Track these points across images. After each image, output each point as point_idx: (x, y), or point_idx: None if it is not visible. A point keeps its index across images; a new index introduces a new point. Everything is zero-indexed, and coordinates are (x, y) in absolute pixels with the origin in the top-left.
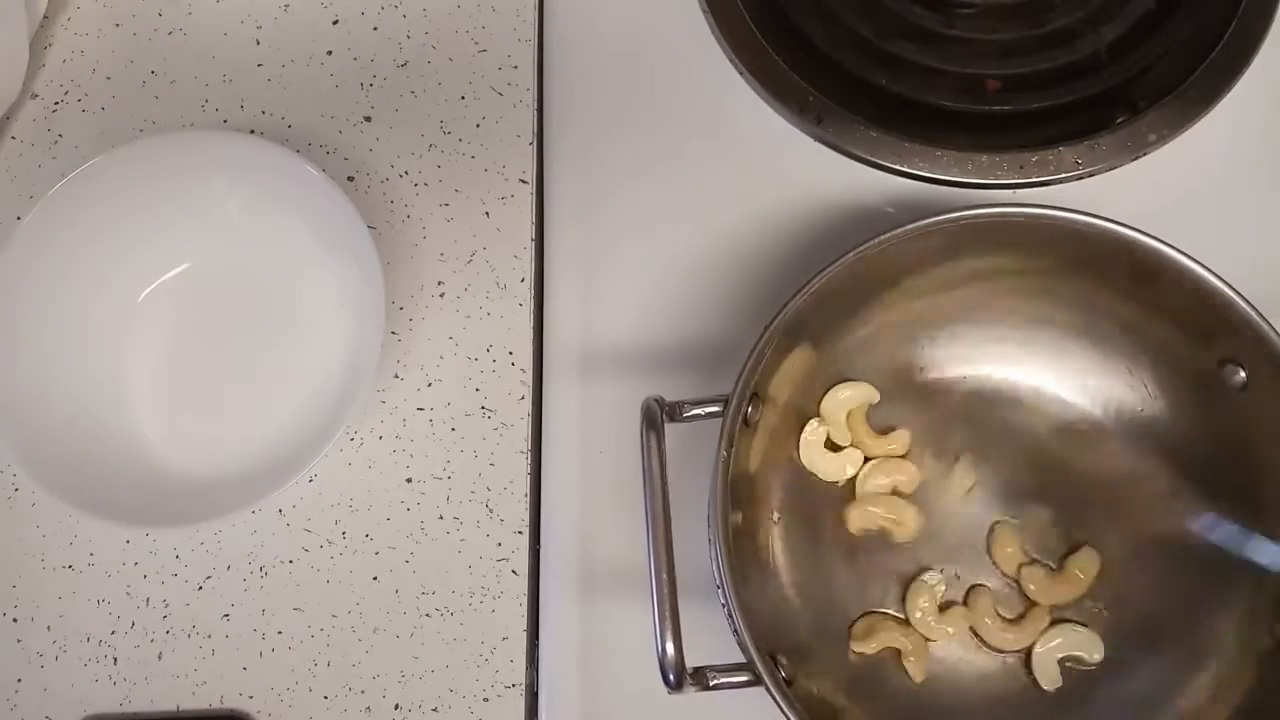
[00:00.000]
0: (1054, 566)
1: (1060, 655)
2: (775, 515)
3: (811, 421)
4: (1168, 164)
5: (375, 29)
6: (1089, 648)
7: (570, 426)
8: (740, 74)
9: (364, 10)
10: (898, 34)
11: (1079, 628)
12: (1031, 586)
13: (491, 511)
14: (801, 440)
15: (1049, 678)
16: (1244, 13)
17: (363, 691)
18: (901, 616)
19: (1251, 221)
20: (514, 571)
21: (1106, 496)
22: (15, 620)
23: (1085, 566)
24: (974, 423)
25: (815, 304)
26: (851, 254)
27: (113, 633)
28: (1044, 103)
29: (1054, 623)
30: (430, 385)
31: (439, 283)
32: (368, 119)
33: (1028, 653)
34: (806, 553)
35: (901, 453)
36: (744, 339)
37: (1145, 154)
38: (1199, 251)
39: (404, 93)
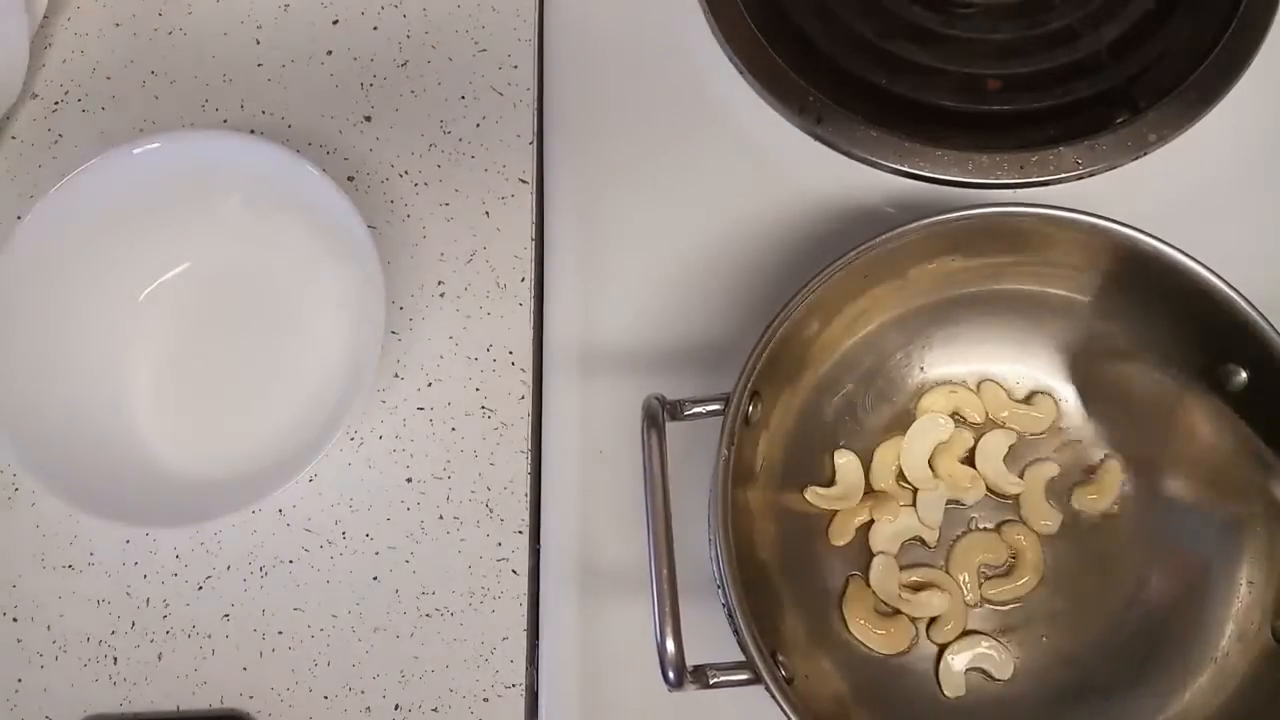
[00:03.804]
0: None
1: (969, 666)
2: None
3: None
4: (1168, 164)
5: (375, 29)
6: (999, 665)
7: (570, 426)
8: (740, 74)
9: (364, 10)
10: (898, 34)
11: (991, 642)
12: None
13: (491, 511)
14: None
15: (952, 685)
16: (1244, 13)
17: (363, 691)
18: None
19: (1251, 221)
20: (514, 571)
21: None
22: (15, 620)
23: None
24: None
25: (816, 304)
26: (852, 253)
27: (113, 633)
28: (1044, 103)
29: (967, 634)
30: (430, 385)
31: (439, 283)
32: (368, 119)
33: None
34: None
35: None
36: (744, 338)
37: (1145, 154)
38: (1199, 251)
39: (404, 93)
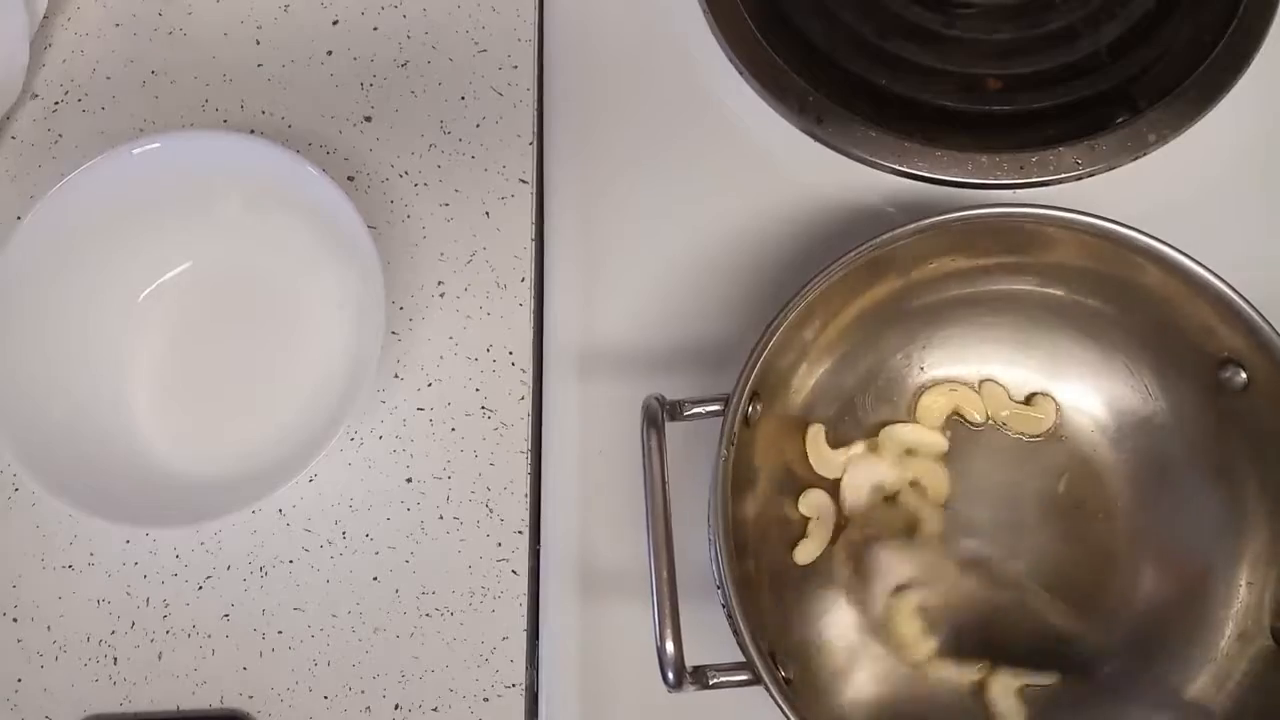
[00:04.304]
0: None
1: (1017, 684)
2: None
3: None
4: (1168, 164)
5: (375, 29)
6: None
7: (570, 426)
8: (740, 73)
9: (364, 10)
10: (898, 34)
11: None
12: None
13: (491, 511)
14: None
15: (1012, 712)
16: (1244, 13)
17: (363, 691)
18: None
19: (1251, 221)
20: (514, 571)
21: (1103, 496)
22: (15, 620)
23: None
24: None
25: (816, 303)
26: (852, 253)
27: (113, 633)
28: (1044, 103)
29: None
30: (430, 385)
31: (439, 283)
32: (368, 119)
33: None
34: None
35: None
36: (744, 338)
37: (1145, 154)
38: (1199, 252)
39: (404, 93)
